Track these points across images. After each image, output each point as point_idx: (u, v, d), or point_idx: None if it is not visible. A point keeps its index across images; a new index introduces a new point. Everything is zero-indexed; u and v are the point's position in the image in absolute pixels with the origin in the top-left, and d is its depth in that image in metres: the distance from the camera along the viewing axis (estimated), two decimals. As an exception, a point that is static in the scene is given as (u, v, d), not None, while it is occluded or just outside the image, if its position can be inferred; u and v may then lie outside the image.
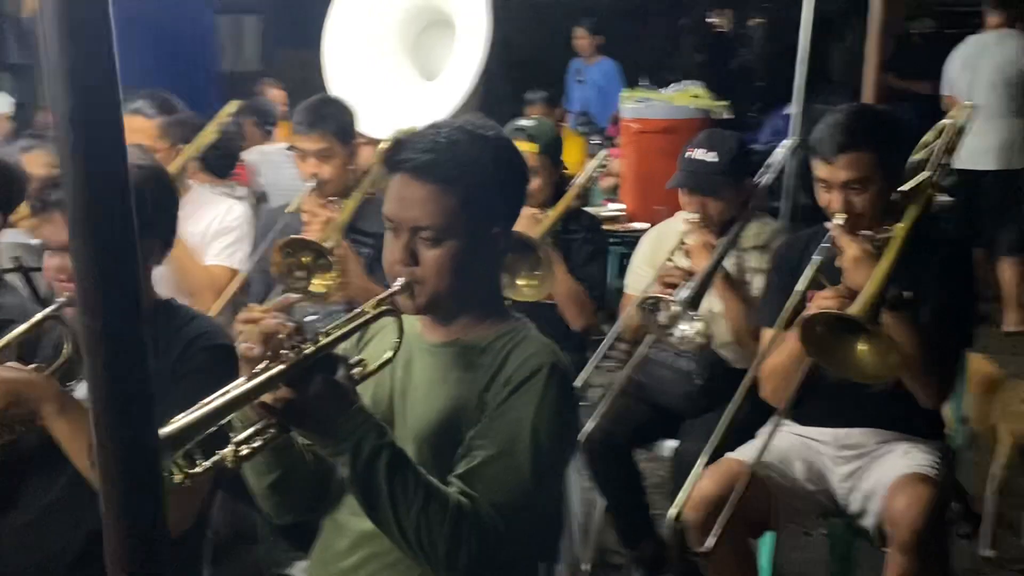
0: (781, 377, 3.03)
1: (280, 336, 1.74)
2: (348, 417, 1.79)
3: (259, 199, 5.36)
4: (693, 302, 3.35)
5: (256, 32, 12.63)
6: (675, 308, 3.35)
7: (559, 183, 3.97)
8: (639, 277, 3.82)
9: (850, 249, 2.85)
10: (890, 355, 2.61)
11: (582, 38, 8.95)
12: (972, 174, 6.69)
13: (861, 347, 2.67)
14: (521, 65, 10.96)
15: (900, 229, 2.84)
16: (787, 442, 3.15)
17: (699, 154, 3.66)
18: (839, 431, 3.11)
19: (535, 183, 3.81)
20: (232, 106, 4.15)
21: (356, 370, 1.90)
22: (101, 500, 1.06)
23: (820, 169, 2.96)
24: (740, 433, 3.29)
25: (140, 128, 3.66)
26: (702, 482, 2.97)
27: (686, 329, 3.36)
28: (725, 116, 6.09)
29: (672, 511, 2.90)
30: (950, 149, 3.08)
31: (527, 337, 2.05)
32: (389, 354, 1.93)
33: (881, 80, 4.32)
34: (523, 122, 3.94)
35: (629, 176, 6.15)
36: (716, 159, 3.62)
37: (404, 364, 2.08)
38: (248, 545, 3.72)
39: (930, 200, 2.99)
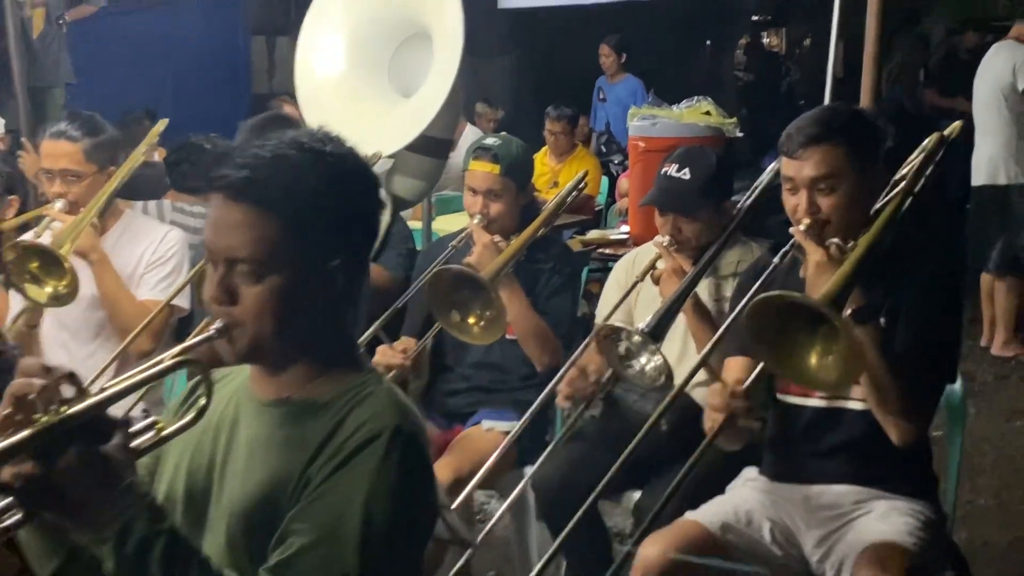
0: None
1: (30, 397, 1.43)
2: (111, 498, 1.46)
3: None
4: (656, 332, 2.99)
5: (289, 53, 12.45)
6: (636, 338, 3.00)
7: (528, 208, 3.63)
8: (609, 305, 3.48)
9: (815, 254, 2.52)
10: (851, 358, 2.26)
11: (607, 56, 8.61)
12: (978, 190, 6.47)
13: (818, 346, 2.32)
14: (554, 83, 10.70)
15: (874, 226, 2.50)
16: (754, 500, 2.79)
17: (672, 171, 3.35)
18: (812, 488, 2.75)
19: (495, 207, 3.50)
20: (161, 125, 3.87)
21: (147, 436, 1.57)
22: None
23: (787, 167, 2.64)
24: (708, 487, 2.96)
25: (65, 152, 3.38)
26: (647, 548, 2.62)
27: (646, 363, 3.01)
28: (738, 134, 5.69)
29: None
30: (926, 164, 2.71)
31: (372, 394, 1.71)
32: (189, 416, 1.60)
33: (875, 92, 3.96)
34: (487, 140, 3.61)
35: (635, 198, 5.78)
36: (689, 176, 3.30)
37: (230, 425, 1.75)
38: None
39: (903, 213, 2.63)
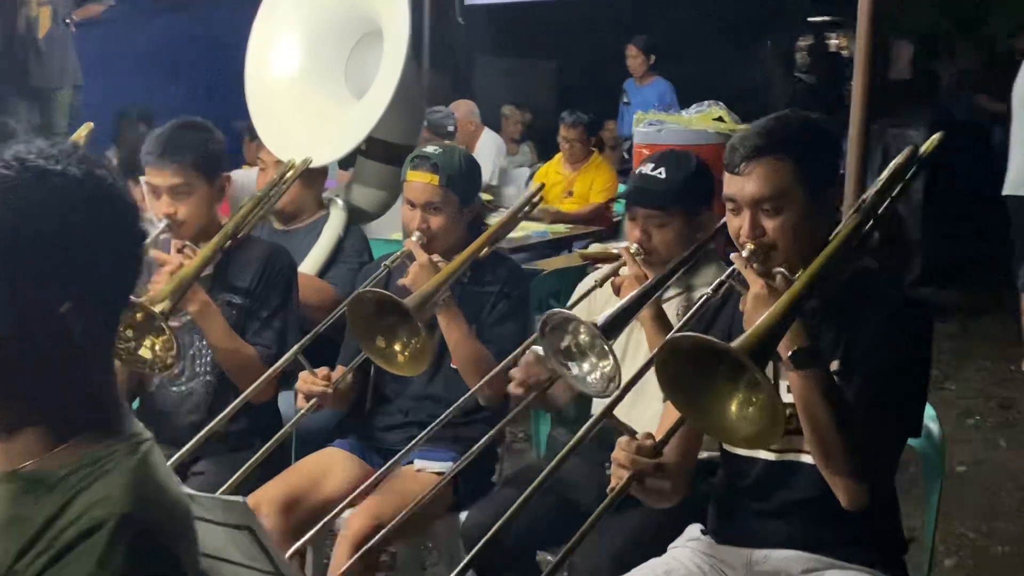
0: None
1: None
2: None
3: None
4: (609, 329, 2.61)
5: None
6: (583, 336, 2.63)
7: (475, 225, 3.31)
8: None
9: (755, 286, 2.17)
10: (772, 412, 1.93)
11: (634, 57, 8.22)
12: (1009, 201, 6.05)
13: (739, 396, 2.00)
14: (591, 86, 10.39)
15: (822, 254, 2.16)
16: (692, 565, 2.44)
17: (647, 169, 3.03)
18: (756, 553, 2.39)
19: (436, 222, 3.19)
20: (86, 128, 3.61)
21: None
22: None
23: (728, 184, 2.29)
24: (645, 546, 2.61)
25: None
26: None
27: (590, 370, 2.63)
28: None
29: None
30: (893, 183, 2.35)
31: (111, 470, 1.39)
32: None
33: (869, 98, 3.59)
34: (427, 148, 3.29)
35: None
36: (664, 176, 2.98)
37: None
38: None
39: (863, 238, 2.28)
